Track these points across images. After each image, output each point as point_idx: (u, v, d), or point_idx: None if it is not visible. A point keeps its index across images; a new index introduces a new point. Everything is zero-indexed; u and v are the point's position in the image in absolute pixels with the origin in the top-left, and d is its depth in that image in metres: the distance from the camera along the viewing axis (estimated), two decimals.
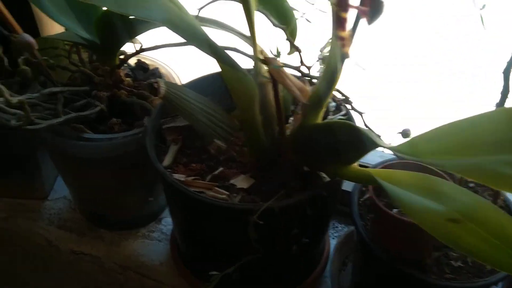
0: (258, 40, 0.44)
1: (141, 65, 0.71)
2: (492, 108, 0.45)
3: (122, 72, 0.65)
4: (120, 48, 0.64)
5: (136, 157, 0.62)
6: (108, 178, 0.66)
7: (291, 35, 0.54)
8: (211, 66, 0.53)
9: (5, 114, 0.54)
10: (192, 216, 0.54)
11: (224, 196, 0.50)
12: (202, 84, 0.62)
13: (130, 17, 0.61)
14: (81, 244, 0.71)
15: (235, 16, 0.52)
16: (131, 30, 0.62)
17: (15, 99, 0.48)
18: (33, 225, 0.74)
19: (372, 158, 0.59)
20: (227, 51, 0.48)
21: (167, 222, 0.74)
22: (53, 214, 0.75)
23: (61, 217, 0.75)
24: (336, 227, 0.73)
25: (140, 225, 0.74)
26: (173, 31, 0.37)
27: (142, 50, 0.61)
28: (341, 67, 0.40)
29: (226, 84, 0.49)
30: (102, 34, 0.62)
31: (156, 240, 0.72)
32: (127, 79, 0.65)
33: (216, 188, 0.50)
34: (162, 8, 0.37)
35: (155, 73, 0.70)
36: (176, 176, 0.52)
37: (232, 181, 0.52)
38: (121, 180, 0.66)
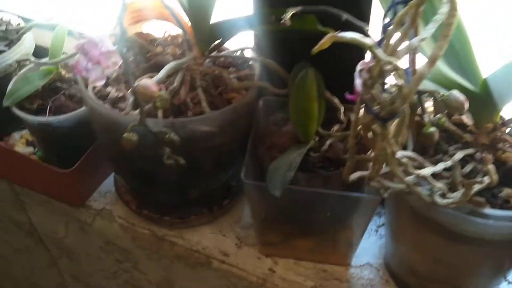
0: None
1: None
2: None
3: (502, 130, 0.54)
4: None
5: None
6: (475, 259, 0.55)
7: None
8: None
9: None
10: None
11: None
12: None
13: None
14: None
15: None
16: None
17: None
18: None
19: None
20: None
21: None
22: (365, 286, 0.66)
23: None
24: None
25: None
26: None
27: None
28: None
29: None
30: (487, 85, 0.51)
31: None
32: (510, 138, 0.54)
33: None
34: None
35: None
36: None
37: None
38: (488, 263, 0.55)
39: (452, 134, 0.56)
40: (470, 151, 0.52)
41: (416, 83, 0.36)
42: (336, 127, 0.63)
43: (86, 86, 0.59)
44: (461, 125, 0.56)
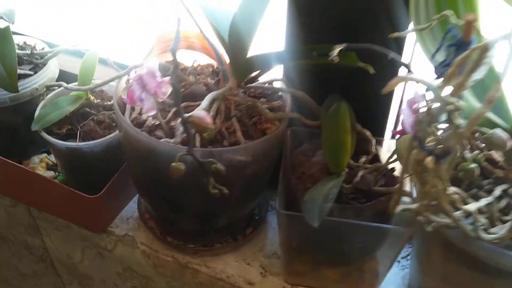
0: None
1: None
2: None
3: None
4: None
5: None
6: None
7: None
8: None
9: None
10: None
11: None
12: None
13: None
14: None
15: None
16: None
17: None
18: None
19: None
20: None
21: None
22: None
23: None
24: None
25: None
26: None
27: None
28: None
29: None
30: None
31: None
32: None
33: None
34: None
35: None
36: None
37: None
38: None
39: (483, 169, 0.57)
40: (504, 186, 0.54)
41: (473, 122, 0.38)
42: (363, 159, 0.64)
43: (123, 113, 0.60)
44: (492, 161, 0.58)
